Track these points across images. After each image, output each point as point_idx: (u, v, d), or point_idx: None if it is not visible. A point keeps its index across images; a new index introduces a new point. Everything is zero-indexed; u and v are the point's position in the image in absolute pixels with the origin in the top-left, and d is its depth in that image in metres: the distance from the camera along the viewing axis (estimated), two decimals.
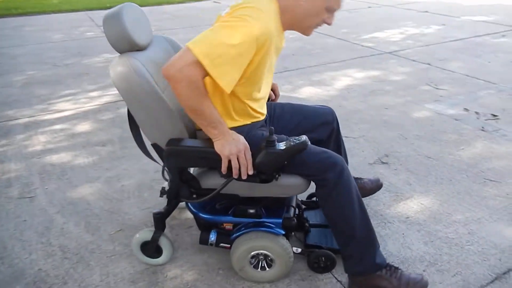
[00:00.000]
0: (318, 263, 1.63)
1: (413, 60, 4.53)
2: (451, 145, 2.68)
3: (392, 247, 1.80)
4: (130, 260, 1.75)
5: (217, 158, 1.31)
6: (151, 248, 1.67)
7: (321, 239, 1.74)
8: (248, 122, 1.47)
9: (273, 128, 1.29)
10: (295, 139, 1.33)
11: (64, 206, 2.12)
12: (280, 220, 1.58)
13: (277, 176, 1.36)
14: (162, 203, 2.08)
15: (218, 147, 1.30)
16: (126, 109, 1.45)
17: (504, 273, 1.65)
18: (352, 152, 2.59)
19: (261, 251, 1.55)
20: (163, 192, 1.64)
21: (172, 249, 1.70)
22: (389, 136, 2.82)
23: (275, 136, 1.30)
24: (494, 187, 2.22)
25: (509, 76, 3.97)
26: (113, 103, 3.48)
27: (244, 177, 1.32)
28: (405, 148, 2.66)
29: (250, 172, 1.31)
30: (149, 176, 2.37)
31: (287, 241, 1.56)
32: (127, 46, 1.36)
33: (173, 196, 1.54)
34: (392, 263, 1.52)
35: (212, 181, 1.46)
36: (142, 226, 1.96)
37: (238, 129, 1.40)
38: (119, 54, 1.38)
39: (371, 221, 1.48)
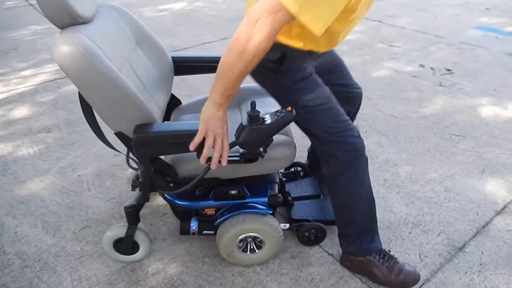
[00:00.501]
0: (309, 236, 1.57)
1: (364, 18, 4.49)
2: (414, 103, 2.70)
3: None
4: (103, 260, 1.58)
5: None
6: (126, 245, 1.50)
7: (306, 212, 1.67)
8: (308, 47, 1.22)
9: (255, 101, 1.15)
10: (280, 110, 1.20)
11: (14, 207, 1.86)
12: (266, 199, 1.48)
13: (263, 153, 1.24)
14: (127, 191, 1.89)
15: (204, 116, 1.12)
16: (68, 88, 1.23)
17: (483, 226, 1.70)
18: None
19: (250, 234, 1.45)
20: (134, 185, 1.46)
21: (150, 242, 1.55)
22: None
23: (257, 110, 1.16)
24: (460, 142, 2.27)
25: (455, 30, 4.07)
26: (52, 81, 3.10)
27: (213, 166, 1.17)
28: (371, 109, 2.63)
29: (224, 163, 1.17)
30: (107, 162, 2.14)
31: (275, 219, 1.47)
32: (68, 19, 1.11)
33: (147, 189, 1.37)
34: (389, 251, 1.48)
35: (190, 167, 1.31)
36: (110, 219, 1.77)
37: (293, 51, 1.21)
38: (60, 30, 1.14)
39: None
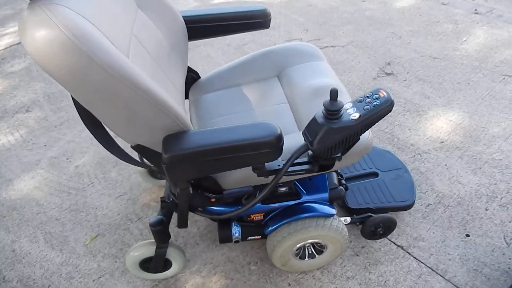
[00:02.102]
0: (375, 230, 1.29)
1: None
2: (452, 38, 2.32)
3: (441, 185, 1.50)
4: (128, 278, 1.30)
5: (264, 150, 0.83)
6: (156, 265, 1.21)
7: (365, 197, 1.38)
8: None
9: (336, 88, 0.79)
10: (369, 97, 0.85)
11: (5, 215, 1.53)
12: (326, 194, 1.18)
13: (341, 156, 0.91)
14: (139, 183, 1.58)
15: None
16: None
17: None
18: (348, 66, 2.14)
19: (311, 241, 1.17)
20: (164, 205, 1.14)
21: (184, 257, 1.26)
22: (380, 37, 2.38)
23: (340, 102, 0.81)
24: None
25: None
26: (20, 44, 2.60)
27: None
28: (404, 50, 2.25)
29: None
30: None
31: (339, 219, 1.18)
32: None
33: (186, 214, 1.04)
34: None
35: (237, 178, 0.98)
36: (126, 222, 1.46)
37: None
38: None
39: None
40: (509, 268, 1.25)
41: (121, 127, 0.80)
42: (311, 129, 0.83)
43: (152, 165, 0.99)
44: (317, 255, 1.23)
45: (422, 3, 2.69)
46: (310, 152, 0.91)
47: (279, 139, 0.82)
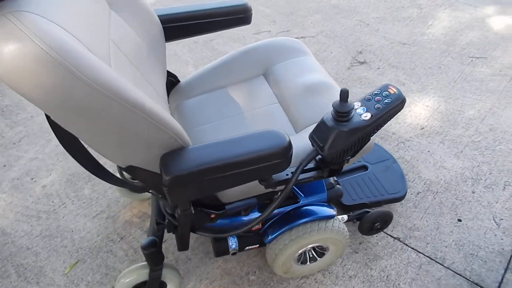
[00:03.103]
0: (373, 225, 1.27)
1: None
2: (418, 23, 2.34)
3: (427, 172, 1.50)
4: None
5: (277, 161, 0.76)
6: None
7: (358, 192, 1.36)
8: None
9: (347, 89, 0.74)
10: (378, 94, 0.81)
11: None
12: (325, 195, 1.14)
13: (350, 159, 0.87)
14: (116, 198, 1.47)
15: None
16: None
17: None
18: (321, 57, 2.11)
19: (312, 245, 1.12)
20: (161, 228, 1.05)
21: (180, 276, 1.18)
22: (349, 25, 2.36)
23: (351, 102, 0.76)
24: (484, 66, 1.99)
25: None
26: None
27: None
28: (374, 37, 2.25)
29: None
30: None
31: (339, 219, 1.14)
32: None
33: (187, 235, 0.96)
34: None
35: (237, 191, 0.91)
36: (108, 244, 1.35)
37: None
38: None
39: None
40: (502, 249, 1.26)
41: (111, 148, 0.70)
42: (320, 133, 0.78)
43: (147, 188, 0.90)
44: (318, 258, 1.19)
45: None
46: (318, 157, 0.86)
47: (289, 148, 0.76)
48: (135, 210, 1.45)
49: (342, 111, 0.75)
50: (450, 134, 1.65)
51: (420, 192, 1.44)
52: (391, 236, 1.32)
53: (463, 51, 2.10)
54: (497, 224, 1.33)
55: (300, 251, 1.12)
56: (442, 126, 1.69)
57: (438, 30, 2.27)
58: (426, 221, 1.35)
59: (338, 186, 1.16)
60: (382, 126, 0.82)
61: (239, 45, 2.29)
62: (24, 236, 1.39)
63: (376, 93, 0.81)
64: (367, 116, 0.77)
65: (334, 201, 1.35)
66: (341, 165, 0.86)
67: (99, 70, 0.61)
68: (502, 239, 1.29)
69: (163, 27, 1.08)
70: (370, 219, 1.24)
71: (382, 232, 1.33)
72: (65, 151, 0.77)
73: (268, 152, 0.75)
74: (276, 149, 0.75)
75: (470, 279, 1.20)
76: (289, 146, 0.76)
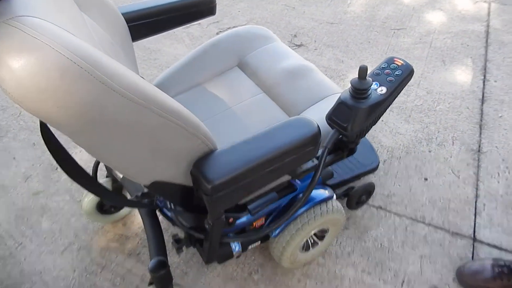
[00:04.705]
0: (359, 198, 1.32)
1: None
2: (338, 2, 2.46)
3: (387, 140, 1.61)
4: None
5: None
6: None
7: (336, 170, 1.39)
8: None
9: (365, 66, 0.75)
10: (386, 68, 0.83)
11: None
12: (320, 178, 1.15)
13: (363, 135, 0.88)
14: (84, 225, 1.33)
15: None
16: None
17: (481, 120, 1.69)
18: None
19: (315, 230, 1.13)
20: (180, 245, 0.96)
21: None
22: (276, 10, 2.39)
23: (369, 79, 0.77)
24: (406, 36, 2.17)
25: None
26: None
27: None
28: (303, 20, 2.31)
29: None
30: (22, 191, 1.42)
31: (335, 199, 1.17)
32: None
33: (216, 243, 0.90)
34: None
35: None
36: (88, 277, 1.21)
37: None
38: None
39: None
40: (467, 197, 1.41)
41: (140, 164, 0.62)
42: (340, 114, 0.78)
43: (169, 203, 0.82)
44: (320, 242, 1.20)
45: None
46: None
47: (319, 133, 0.74)
48: (109, 234, 1.31)
49: (361, 88, 0.75)
50: (396, 102, 1.78)
51: (386, 160, 1.53)
52: (373, 206, 1.39)
53: (384, 25, 2.26)
54: (457, 176, 1.48)
55: (305, 239, 1.12)
56: None
57: (358, 8, 2.41)
58: (399, 185, 1.45)
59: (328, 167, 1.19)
60: (396, 98, 0.85)
61: (171, 41, 2.18)
62: None
63: (383, 67, 0.83)
64: (382, 90, 0.79)
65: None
66: (357, 143, 0.88)
67: (130, 78, 0.53)
68: (464, 188, 1.44)
69: (128, 26, 0.98)
70: (357, 193, 1.29)
71: (365, 204, 1.39)
72: (4, 184, 0.66)
73: (302, 140, 0.73)
74: (309, 136, 0.73)
75: (450, 230, 1.32)
76: (319, 131, 0.75)
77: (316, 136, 0.74)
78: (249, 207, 0.89)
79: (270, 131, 0.74)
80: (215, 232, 0.82)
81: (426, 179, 1.47)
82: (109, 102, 0.49)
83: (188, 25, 2.26)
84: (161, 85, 1.10)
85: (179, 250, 0.97)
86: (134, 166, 0.62)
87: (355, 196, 1.28)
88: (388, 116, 1.71)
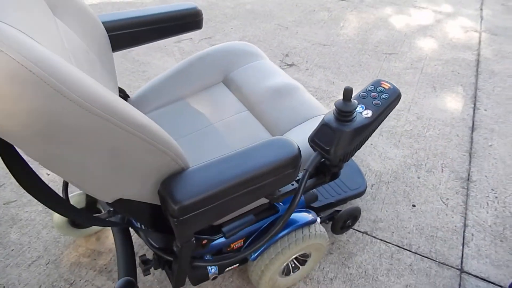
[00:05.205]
0: (344, 223, 1.27)
1: None
2: (331, 25, 2.47)
3: (375, 164, 1.58)
4: None
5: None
6: None
7: (322, 192, 1.35)
8: None
9: (351, 87, 0.71)
10: (373, 90, 0.80)
11: None
12: (303, 199, 1.11)
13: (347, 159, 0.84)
14: (54, 238, 1.27)
15: None
16: None
17: (470, 148, 1.67)
18: None
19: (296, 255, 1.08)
20: (146, 265, 0.90)
21: None
22: (269, 29, 2.39)
23: (354, 101, 0.74)
24: (397, 61, 2.18)
25: None
26: None
27: None
28: (295, 40, 2.31)
29: None
30: None
31: (319, 223, 1.12)
32: None
33: (186, 269, 0.84)
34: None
35: None
36: None
37: None
38: None
39: None
40: (455, 226, 1.37)
41: (100, 180, 0.57)
42: (323, 136, 0.74)
43: (137, 223, 0.76)
44: (301, 266, 1.15)
45: None
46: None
47: (299, 155, 0.70)
48: (81, 249, 1.24)
49: (346, 110, 0.72)
50: (386, 126, 1.76)
51: (374, 184, 1.50)
52: (359, 231, 1.34)
53: (376, 49, 2.27)
54: (445, 204, 1.44)
55: (285, 263, 1.07)
56: None
57: (351, 31, 2.42)
58: (386, 211, 1.41)
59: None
60: (381, 123, 0.81)
61: (161, 54, 2.15)
62: None
63: (370, 90, 0.80)
64: (368, 113, 0.76)
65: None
66: (340, 167, 0.84)
67: (90, 86, 0.49)
68: (452, 217, 1.40)
69: (109, 35, 0.94)
70: (342, 218, 1.24)
71: (350, 229, 1.34)
72: None
73: (280, 162, 0.68)
74: (288, 158, 0.69)
75: (437, 260, 1.27)
76: (299, 153, 0.70)
77: (296, 158, 0.69)
78: (224, 229, 0.83)
79: (247, 150, 0.69)
80: (184, 255, 0.77)
81: (414, 206, 1.43)
82: (63, 111, 0.45)
83: (179, 39, 2.25)
84: (142, 97, 1.06)
85: (146, 271, 0.91)
86: (94, 182, 0.57)
87: (340, 220, 1.24)
88: (378, 140, 1.68)
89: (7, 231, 1.28)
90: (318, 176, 0.84)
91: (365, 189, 1.37)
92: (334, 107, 0.73)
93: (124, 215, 0.72)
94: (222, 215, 0.72)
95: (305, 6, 2.65)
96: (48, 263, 1.21)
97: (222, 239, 0.97)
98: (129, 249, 0.94)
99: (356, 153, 1.57)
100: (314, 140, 0.76)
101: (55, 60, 0.46)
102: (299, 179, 0.78)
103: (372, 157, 1.60)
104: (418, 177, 1.54)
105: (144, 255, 0.93)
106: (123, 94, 1.06)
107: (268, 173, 0.67)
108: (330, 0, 2.74)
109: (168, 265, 0.90)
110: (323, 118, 0.75)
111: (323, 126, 0.74)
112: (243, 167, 0.66)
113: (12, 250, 1.23)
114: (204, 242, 0.84)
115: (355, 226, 1.35)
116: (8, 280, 1.16)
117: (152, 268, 0.92)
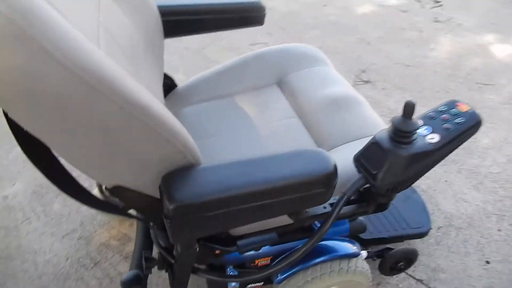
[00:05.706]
0: (395, 265, 1.10)
1: None
2: (420, 45, 2.26)
3: (446, 204, 1.36)
4: None
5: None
6: None
7: (375, 224, 1.19)
8: None
9: (413, 102, 0.57)
10: (445, 109, 0.65)
11: None
12: (347, 227, 0.96)
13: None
14: (91, 214, 1.23)
15: None
16: None
17: None
18: None
19: None
20: (150, 264, 0.83)
21: None
22: (349, 42, 2.25)
23: (416, 120, 0.59)
24: (492, 93, 1.91)
25: None
26: None
27: None
28: (376, 57, 2.14)
29: None
30: None
31: (364, 259, 0.96)
32: None
33: (188, 274, 0.76)
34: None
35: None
36: (79, 270, 1.12)
37: None
38: None
39: None
40: None
41: (93, 162, 0.51)
42: (371, 157, 0.60)
43: (137, 215, 0.69)
44: None
45: (382, 10, 2.63)
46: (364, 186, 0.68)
47: (334, 174, 0.58)
48: (113, 231, 1.22)
49: (404, 130, 0.58)
50: (467, 164, 1.53)
51: (441, 227, 1.29)
52: (413, 277, 1.15)
53: (469, 77, 2.02)
54: None
55: None
56: (458, 154, 1.56)
57: (441, 54, 2.19)
58: (451, 261, 1.20)
59: (360, 217, 0.99)
60: (451, 153, 0.66)
61: (234, 55, 2.10)
62: None
63: (441, 110, 0.66)
64: (434, 138, 0.61)
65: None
66: (391, 199, 0.69)
67: (86, 51, 0.42)
68: None
69: (163, 21, 0.90)
70: (394, 258, 1.07)
71: (403, 272, 1.16)
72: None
73: (309, 177, 0.57)
74: (320, 175, 0.57)
75: None
76: (334, 171, 0.58)
77: (329, 177, 0.57)
78: (239, 242, 0.72)
79: (272, 156, 0.59)
80: (184, 261, 0.68)
81: (488, 262, 1.20)
82: (49, 72, 0.39)
83: (254, 42, 2.21)
84: (191, 88, 1.01)
85: (147, 269, 0.83)
86: (85, 162, 0.50)
87: (391, 260, 1.07)
88: (454, 177, 1.46)
89: (52, 200, 1.30)
90: (360, 204, 0.70)
91: (428, 231, 1.18)
92: (390, 123, 0.60)
93: (124, 205, 0.66)
94: (229, 226, 0.62)
95: (394, 24, 2.47)
96: (80, 238, 1.20)
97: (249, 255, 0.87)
98: (146, 243, 0.88)
99: (425, 187, 1.38)
100: (359, 159, 0.63)
101: (48, 14, 0.40)
102: (333, 203, 0.65)
103: (444, 196, 1.39)
104: (499, 230, 1.30)
105: (147, 252, 0.86)
106: (171, 82, 1.02)
107: (291, 187, 0.56)
108: (423, 20, 2.52)
109: (171, 268, 0.82)
110: (375, 136, 0.61)
111: (373, 145, 0.61)
112: (262, 174, 0.55)
113: (52, 219, 1.25)
114: (217, 252, 0.75)
115: (410, 271, 1.16)
116: (41, 248, 1.17)
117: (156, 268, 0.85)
